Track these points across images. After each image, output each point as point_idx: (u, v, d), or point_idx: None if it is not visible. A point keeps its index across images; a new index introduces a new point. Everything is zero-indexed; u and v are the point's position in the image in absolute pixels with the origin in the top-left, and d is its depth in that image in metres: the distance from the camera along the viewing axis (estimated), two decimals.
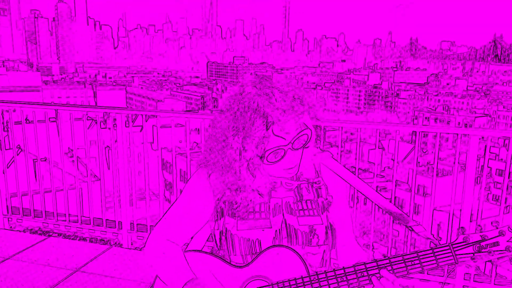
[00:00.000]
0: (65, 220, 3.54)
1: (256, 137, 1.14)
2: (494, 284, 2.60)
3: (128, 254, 3.23)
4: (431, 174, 22.57)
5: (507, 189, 2.75)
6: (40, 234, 3.52)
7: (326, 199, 1.29)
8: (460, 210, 2.61)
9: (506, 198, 2.70)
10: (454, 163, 2.77)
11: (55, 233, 3.53)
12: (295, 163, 1.20)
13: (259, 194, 1.23)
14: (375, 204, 1.31)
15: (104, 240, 3.42)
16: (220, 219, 1.27)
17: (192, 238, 1.34)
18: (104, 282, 2.83)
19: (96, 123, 3.59)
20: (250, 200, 1.23)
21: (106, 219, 3.46)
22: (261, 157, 1.17)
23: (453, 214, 2.69)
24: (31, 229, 3.59)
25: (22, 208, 3.64)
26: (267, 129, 1.13)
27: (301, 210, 1.25)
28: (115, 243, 3.38)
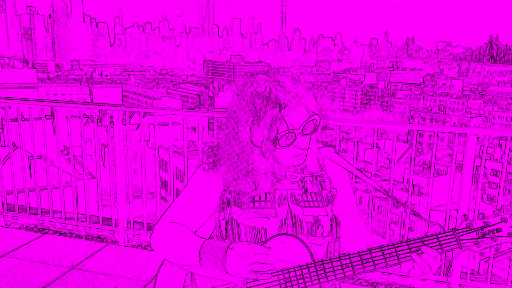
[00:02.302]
0: (61, 218, 3.53)
1: (269, 121, 1.16)
2: (490, 283, 2.62)
3: (125, 252, 3.23)
4: (427, 174, 22.68)
5: (504, 189, 2.77)
6: (35, 231, 3.51)
7: (330, 191, 1.31)
8: (457, 210, 2.62)
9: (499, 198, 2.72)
10: (450, 163, 2.78)
11: (51, 230, 3.52)
12: (304, 150, 1.22)
13: (274, 176, 1.25)
14: (380, 191, 1.33)
15: (100, 238, 3.41)
16: (226, 209, 1.28)
17: (197, 231, 1.35)
18: (100, 279, 2.82)
19: (93, 121, 3.58)
20: (258, 185, 1.24)
21: (103, 217, 3.45)
22: (273, 141, 1.19)
23: (449, 214, 2.69)
24: (27, 227, 3.57)
25: (18, 205, 3.62)
26: (279, 111, 1.16)
27: (306, 201, 1.27)
28: (112, 240, 3.37)
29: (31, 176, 3.68)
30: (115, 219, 3.40)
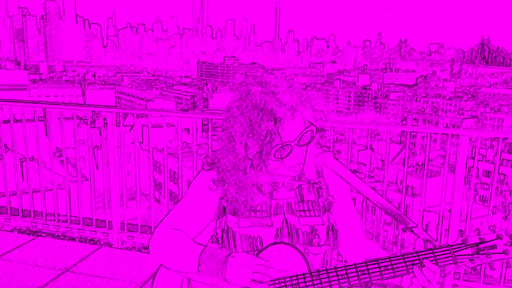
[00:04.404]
0: (54, 220, 3.50)
1: (263, 134, 1.16)
2: (483, 283, 2.63)
3: (118, 254, 3.21)
4: (420, 175, 22.79)
5: (496, 190, 2.79)
6: (28, 234, 3.48)
7: (327, 199, 1.30)
8: (450, 210, 2.64)
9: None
10: (443, 163, 2.80)
11: (44, 233, 3.49)
12: (300, 161, 1.22)
13: (260, 191, 1.24)
14: (376, 205, 1.32)
15: (94, 240, 3.39)
16: (222, 217, 1.28)
17: (196, 236, 1.34)
18: (94, 282, 2.80)
19: (87, 123, 3.56)
20: (251, 198, 1.24)
21: (96, 219, 3.43)
22: (268, 154, 1.19)
23: (442, 214, 2.71)
24: (19, 229, 3.54)
25: (10, 207, 3.59)
26: (274, 125, 1.16)
27: (302, 210, 1.27)
28: (105, 243, 3.36)
29: (23, 178, 3.66)
30: (109, 221, 3.38)
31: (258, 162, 1.20)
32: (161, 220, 1.31)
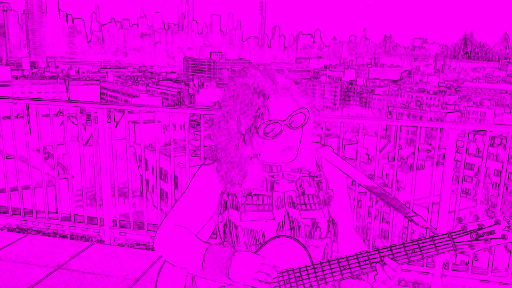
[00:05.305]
0: (45, 217, 3.47)
1: (254, 110, 1.19)
2: (471, 272, 2.71)
3: (111, 251, 3.21)
4: (404, 168, 23.12)
5: (479, 183, 2.85)
6: (18, 232, 3.45)
7: (327, 193, 1.33)
8: (439, 203, 2.70)
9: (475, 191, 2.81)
10: (427, 157, 2.86)
11: (34, 230, 3.47)
12: (291, 143, 1.23)
13: (265, 168, 1.26)
14: (378, 197, 1.34)
15: (85, 237, 3.38)
16: (223, 212, 1.30)
17: (199, 231, 1.35)
18: (87, 279, 2.80)
19: (77, 123, 3.53)
20: (244, 175, 1.26)
21: (88, 216, 3.41)
22: (257, 129, 1.21)
23: (431, 208, 2.77)
24: (9, 227, 3.51)
25: None
26: (264, 100, 1.19)
27: (303, 204, 1.29)
28: (97, 239, 3.35)
29: (5, 177, 3.61)
30: (101, 218, 3.37)
31: (248, 136, 1.22)
32: (165, 217, 1.32)
